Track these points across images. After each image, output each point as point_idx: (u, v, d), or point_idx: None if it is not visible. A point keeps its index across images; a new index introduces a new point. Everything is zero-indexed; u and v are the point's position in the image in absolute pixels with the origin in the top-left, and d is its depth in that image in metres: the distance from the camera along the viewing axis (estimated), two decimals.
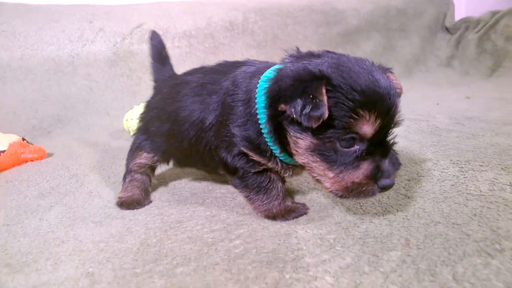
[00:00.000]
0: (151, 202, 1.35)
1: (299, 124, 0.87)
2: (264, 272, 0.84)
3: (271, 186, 1.11)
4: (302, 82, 0.84)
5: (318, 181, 0.96)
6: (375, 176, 0.87)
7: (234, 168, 1.09)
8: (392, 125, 0.90)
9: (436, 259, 0.81)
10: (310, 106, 0.80)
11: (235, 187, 1.15)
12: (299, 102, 0.81)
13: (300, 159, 0.94)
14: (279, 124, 0.94)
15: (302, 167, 1.04)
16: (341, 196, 0.92)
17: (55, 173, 1.75)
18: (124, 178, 1.42)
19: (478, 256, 0.80)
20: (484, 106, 2.34)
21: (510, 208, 0.98)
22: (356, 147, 0.87)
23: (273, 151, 1.01)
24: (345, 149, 0.87)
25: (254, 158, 1.05)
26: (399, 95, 0.92)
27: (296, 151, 0.93)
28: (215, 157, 1.13)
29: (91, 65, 3.08)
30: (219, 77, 1.16)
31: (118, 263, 0.95)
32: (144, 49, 3.15)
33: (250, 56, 3.41)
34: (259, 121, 0.98)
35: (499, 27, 3.83)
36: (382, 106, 0.85)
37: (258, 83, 1.00)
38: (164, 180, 1.56)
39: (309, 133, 0.88)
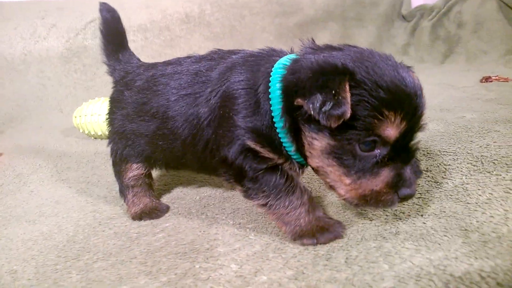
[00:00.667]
0: (168, 206, 1.21)
1: (315, 122, 0.79)
2: (177, 263, 0.87)
3: (292, 185, 0.92)
4: (323, 75, 0.76)
5: (331, 187, 0.87)
6: (396, 184, 0.80)
7: (240, 169, 0.92)
8: (417, 129, 0.82)
9: (335, 245, 0.86)
10: (331, 103, 0.72)
11: (247, 195, 0.94)
12: (318, 98, 0.73)
13: (314, 162, 0.86)
14: (294, 120, 0.85)
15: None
16: (356, 205, 0.84)
17: (1, 173, 1.75)
18: (124, 193, 1.23)
19: (374, 240, 0.85)
20: (430, 92, 2.41)
21: (418, 192, 1.04)
22: (377, 151, 0.79)
23: (287, 148, 0.90)
24: (365, 153, 0.79)
25: (263, 154, 0.91)
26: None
27: (310, 152, 0.85)
28: (216, 158, 0.97)
29: (43, 61, 3.04)
30: (213, 64, 1.03)
31: (42, 260, 0.97)
32: (97, 44, 3.12)
33: (207, 48, 3.42)
34: (273, 113, 0.87)
35: (452, 14, 3.93)
36: (409, 106, 0.77)
37: (272, 70, 0.90)
38: (105, 175, 1.57)
39: (327, 133, 0.79)
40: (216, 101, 0.96)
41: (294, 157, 0.91)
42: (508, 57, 3.33)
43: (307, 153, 0.86)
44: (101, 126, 2.10)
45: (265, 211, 0.94)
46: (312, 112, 0.74)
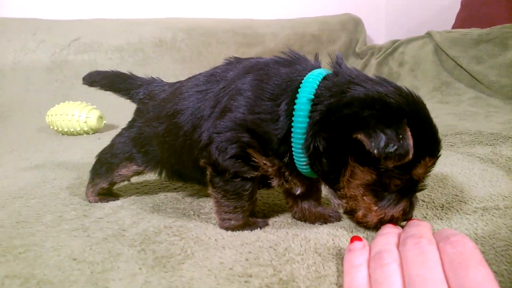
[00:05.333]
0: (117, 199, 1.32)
1: (363, 155, 0.79)
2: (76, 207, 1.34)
3: (247, 198, 0.98)
4: (386, 114, 0.76)
5: (351, 211, 0.94)
6: (408, 211, 0.89)
7: (224, 169, 0.93)
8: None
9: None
10: (395, 146, 0.71)
11: (212, 185, 0.99)
12: (382, 138, 0.72)
13: (349, 191, 0.88)
14: (335, 149, 0.84)
15: (306, 179, 0.97)
16: (370, 226, 0.94)
17: None
18: (98, 176, 1.30)
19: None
20: None
21: None
22: (404, 184, 0.86)
23: (298, 161, 0.89)
24: (395, 186, 0.86)
25: (258, 161, 0.92)
26: None
27: (349, 181, 0.86)
28: (204, 152, 0.97)
29: (30, 71, 3.56)
30: (230, 67, 1.03)
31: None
32: (78, 59, 3.67)
33: (176, 69, 3.93)
34: (293, 130, 0.86)
35: (396, 54, 4.47)
36: (439, 151, 0.85)
37: (301, 81, 0.88)
38: (60, 158, 2.03)
39: (371, 168, 0.83)
40: (223, 96, 0.96)
41: (304, 170, 0.91)
42: (433, 93, 3.85)
43: (345, 182, 0.87)
44: (67, 123, 2.58)
45: (212, 201, 1.02)
46: (375, 151, 0.73)
